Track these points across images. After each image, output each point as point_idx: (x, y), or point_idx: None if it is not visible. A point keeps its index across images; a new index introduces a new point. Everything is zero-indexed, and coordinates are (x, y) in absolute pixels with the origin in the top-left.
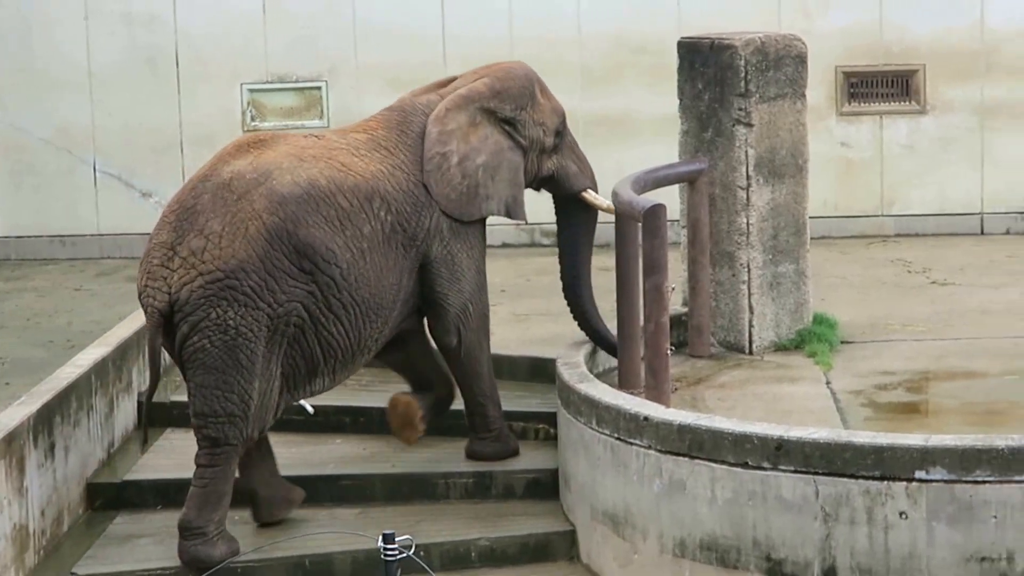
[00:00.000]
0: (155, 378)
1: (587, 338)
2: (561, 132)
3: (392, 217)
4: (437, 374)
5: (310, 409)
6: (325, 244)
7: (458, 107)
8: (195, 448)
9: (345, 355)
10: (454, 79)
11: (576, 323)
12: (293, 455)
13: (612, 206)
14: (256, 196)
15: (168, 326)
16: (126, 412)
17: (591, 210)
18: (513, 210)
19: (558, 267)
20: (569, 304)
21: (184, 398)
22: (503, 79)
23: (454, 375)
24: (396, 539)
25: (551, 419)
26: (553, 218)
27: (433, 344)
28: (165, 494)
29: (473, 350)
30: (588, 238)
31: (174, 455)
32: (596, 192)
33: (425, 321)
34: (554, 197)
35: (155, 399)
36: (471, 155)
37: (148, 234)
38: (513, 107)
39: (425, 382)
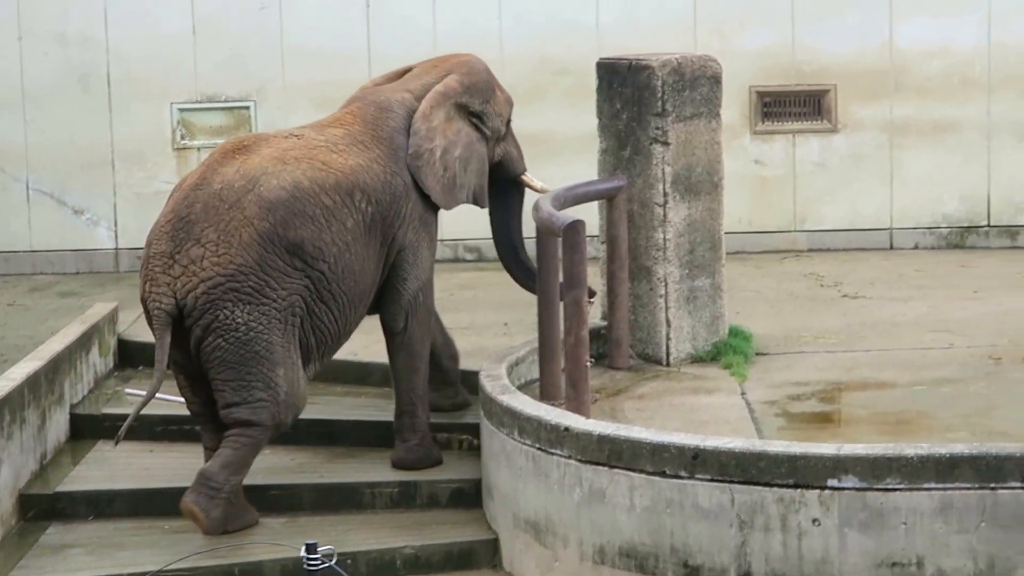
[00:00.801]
0: (160, 375)
1: (522, 349)
2: (510, 120)
3: (372, 208)
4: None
5: None
6: (312, 242)
7: (439, 104)
8: (128, 461)
9: (333, 341)
10: (410, 68)
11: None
12: None
13: (545, 187)
14: (246, 204)
15: (175, 329)
16: (58, 424)
17: (522, 191)
18: (480, 198)
19: (481, 279)
20: (509, 265)
21: (117, 410)
22: (470, 74)
23: (393, 367)
24: (319, 549)
25: (474, 430)
26: (474, 234)
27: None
28: (97, 505)
29: (415, 342)
30: (519, 216)
31: (106, 467)
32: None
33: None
34: (491, 180)
35: (86, 412)
36: (450, 148)
37: (80, 250)
38: (480, 101)
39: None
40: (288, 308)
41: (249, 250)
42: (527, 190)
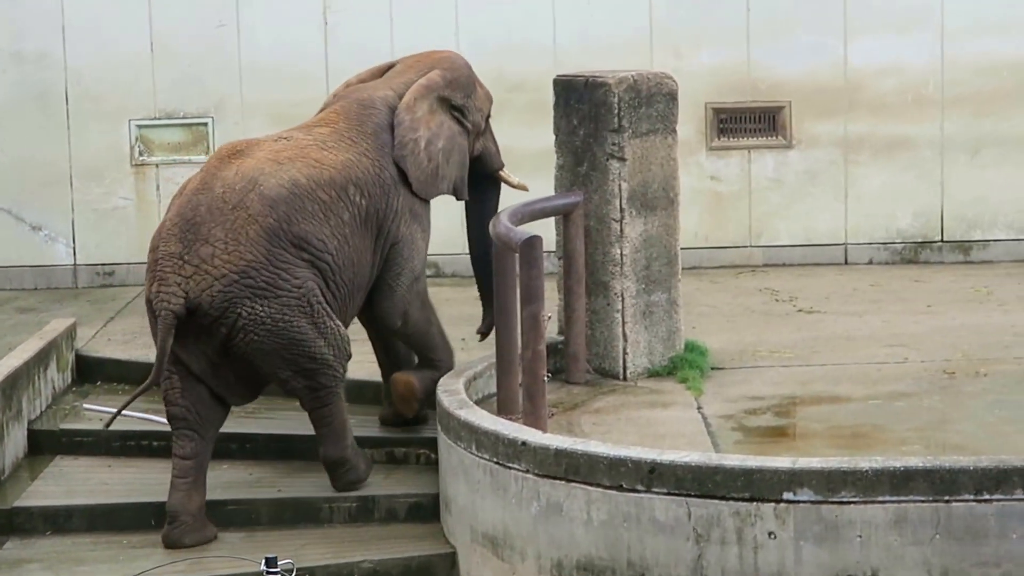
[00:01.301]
0: (157, 376)
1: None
2: (489, 116)
3: (366, 201)
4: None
5: None
6: (315, 235)
7: (422, 96)
8: (86, 476)
9: None
10: (393, 64)
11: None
12: None
13: (524, 184)
14: (249, 202)
15: (180, 328)
16: (16, 440)
17: (499, 187)
18: (460, 190)
19: (438, 295)
20: (478, 261)
21: (76, 426)
22: (452, 69)
23: (403, 350)
24: (278, 563)
25: (432, 444)
26: (431, 249)
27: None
28: (55, 521)
29: (420, 327)
30: (495, 211)
31: (64, 482)
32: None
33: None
34: (469, 174)
35: (44, 427)
36: (433, 140)
37: (38, 266)
38: (462, 95)
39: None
40: (306, 295)
41: (257, 246)
42: (504, 186)
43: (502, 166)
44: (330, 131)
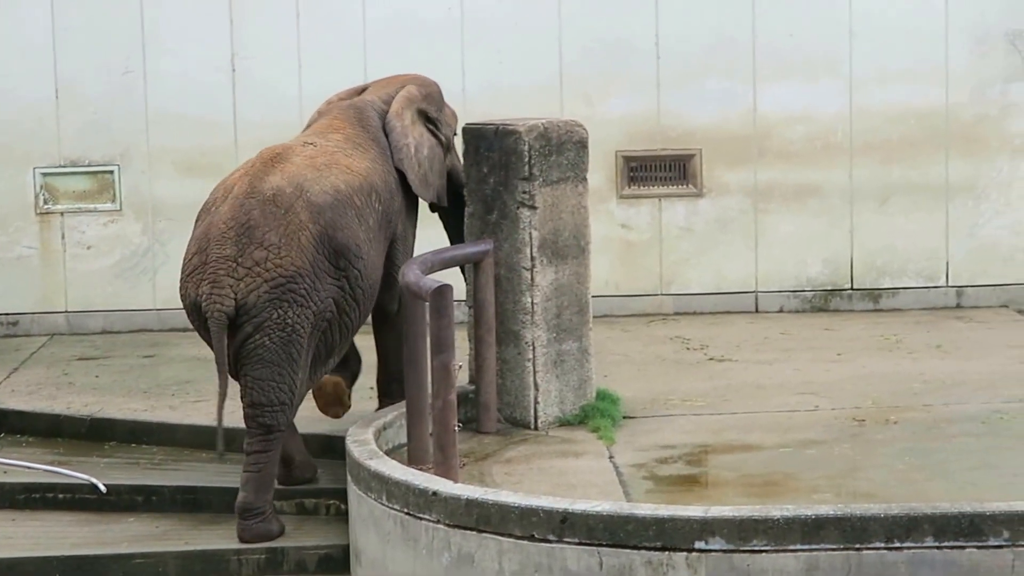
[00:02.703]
0: (225, 380)
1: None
2: (456, 134)
3: (381, 206)
4: (352, 350)
5: (102, 488)
6: (354, 242)
7: (406, 106)
8: None
9: (352, 334)
10: (367, 87)
11: None
12: (86, 534)
13: None
14: (299, 208)
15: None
16: None
17: (463, 204)
18: (442, 197)
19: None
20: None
21: None
22: (425, 85)
23: (382, 344)
24: None
25: (341, 495)
26: None
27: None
28: None
29: (401, 322)
30: (462, 227)
31: None
32: None
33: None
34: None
35: None
36: (419, 147)
37: None
38: (435, 109)
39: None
40: (321, 313)
41: (306, 253)
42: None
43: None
44: (343, 137)
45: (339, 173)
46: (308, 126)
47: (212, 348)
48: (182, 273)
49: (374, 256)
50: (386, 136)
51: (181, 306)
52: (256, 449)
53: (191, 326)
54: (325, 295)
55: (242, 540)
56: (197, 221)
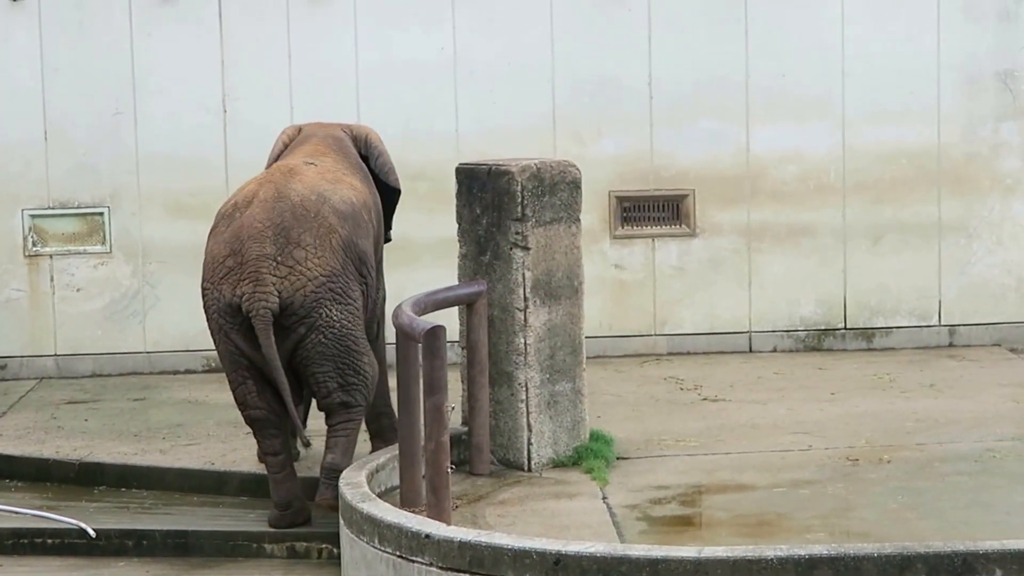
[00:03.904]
0: (281, 373)
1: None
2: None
3: (374, 226)
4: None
5: (92, 532)
6: (368, 252)
7: (369, 131)
8: None
9: None
10: (300, 129)
11: None
12: None
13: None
14: (326, 213)
15: (248, 329)
16: None
17: None
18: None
19: None
20: None
21: None
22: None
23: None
24: None
25: (334, 538)
26: None
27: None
28: None
29: (381, 348)
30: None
31: None
32: None
33: None
34: None
35: None
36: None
37: None
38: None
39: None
40: (361, 308)
41: (338, 255)
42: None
43: None
44: (333, 160)
45: (347, 189)
46: (280, 151)
47: (232, 348)
48: (212, 276)
49: (374, 273)
50: (364, 158)
51: (172, 348)
52: (341, 420)
53: (218, 331)
54: (359, 294)
55: (320, 502)
56: (214, 230)
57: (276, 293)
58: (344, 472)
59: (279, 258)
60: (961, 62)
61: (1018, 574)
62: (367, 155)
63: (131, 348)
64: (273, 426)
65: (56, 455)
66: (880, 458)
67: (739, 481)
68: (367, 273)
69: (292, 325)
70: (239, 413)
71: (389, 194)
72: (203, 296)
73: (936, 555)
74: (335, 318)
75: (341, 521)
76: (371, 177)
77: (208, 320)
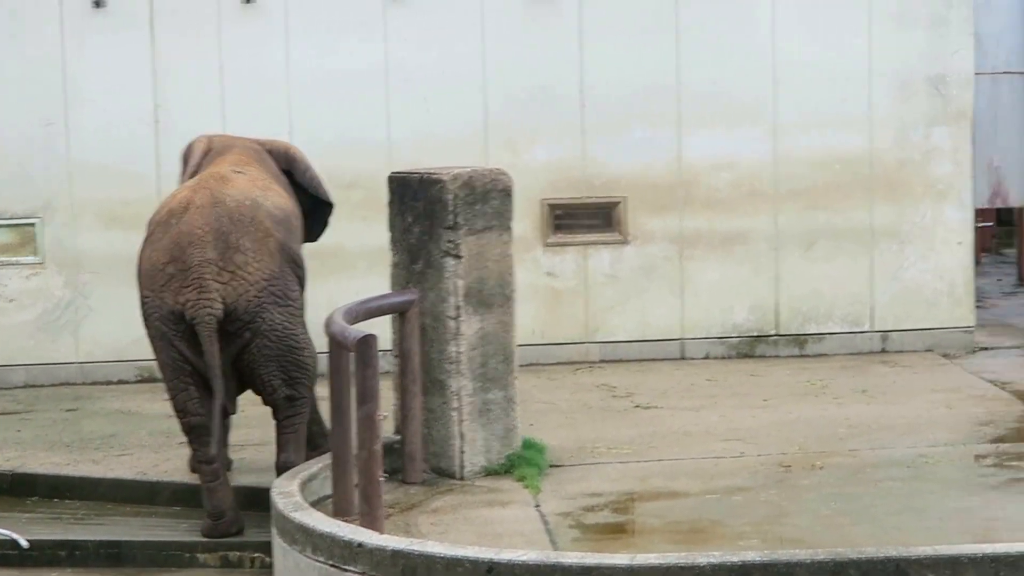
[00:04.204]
0: (221, 381)
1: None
2: None
3: (299, 231)
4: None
5: (24, 543)
6: (299, 255)
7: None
8: None
9: None
10: (210, 142)
11: None
12: None
13: None
14: (261, 218)
15: (193, 336)
16: None
17: None
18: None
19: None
20: None
21: None
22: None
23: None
24: None
25: (266, 548)
26: None
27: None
28: None
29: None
30: None
31: None
32: None
33: None
34: None
35: None
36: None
37: None
38: None
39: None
40: (302, 307)
41: (275, 258)
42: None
43: None
44: (257, 170)
45: (276, 196)
46: (199, 166)
47: (175, 355)
48: (152, 284)
49: (304, 277)
50: (287, 173)
51: (105, 359)
52: (288, 415)
53: (160, 339)
54: (297, 294)
55: None
56: (149, 237)
57: (220, 299)
58: (276, 481)
59: (221, 263)
60: (893, 68)
61: None
62: (291, 169)
63: (64, 359)
64: (210, 434)
65: None
66: (813, 464)
67: (672, 488)
68: (302, 275)
69: (237, 331)
70: (172, 423)
71: (321, 208)
72: (143, 304)
73: (869, 561)
74: (278, 321)
75: (274, 530)
76: (292, 190)
77: (148, 328)
